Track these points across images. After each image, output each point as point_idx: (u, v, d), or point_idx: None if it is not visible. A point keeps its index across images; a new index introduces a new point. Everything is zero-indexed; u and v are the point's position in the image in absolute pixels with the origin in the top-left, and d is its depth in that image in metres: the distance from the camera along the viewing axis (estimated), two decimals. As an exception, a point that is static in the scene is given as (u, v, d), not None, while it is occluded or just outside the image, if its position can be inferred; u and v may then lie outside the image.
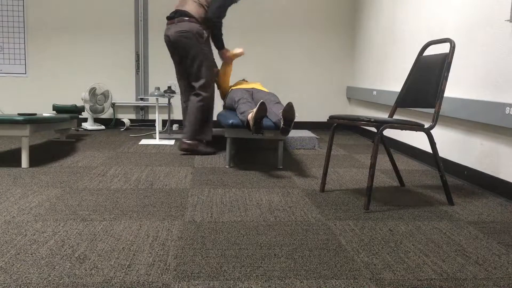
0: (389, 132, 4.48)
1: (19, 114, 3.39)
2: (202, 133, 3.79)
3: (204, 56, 3.72)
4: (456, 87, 3.24)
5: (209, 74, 3.77)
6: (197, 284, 1.51)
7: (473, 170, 3.02)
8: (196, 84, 3.74)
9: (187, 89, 3.91)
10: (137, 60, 5.67)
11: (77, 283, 1.50)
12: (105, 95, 5.38)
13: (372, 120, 2.37)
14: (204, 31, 3.69)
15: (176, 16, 3.69)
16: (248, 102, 3.43)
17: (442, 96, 2.47)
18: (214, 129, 4.72)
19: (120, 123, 5.68)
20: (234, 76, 5.76)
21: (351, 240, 1.95)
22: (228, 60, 4.05)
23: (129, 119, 5.57)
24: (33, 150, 3.95)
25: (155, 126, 5.62)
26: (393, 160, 2.88)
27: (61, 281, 1.50)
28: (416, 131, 2.47)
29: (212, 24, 3.69)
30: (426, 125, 2.54)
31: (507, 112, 2.60)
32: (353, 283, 1.54)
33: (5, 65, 5.54)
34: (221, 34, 3.81)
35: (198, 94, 3.73)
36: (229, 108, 3.79)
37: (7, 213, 2.21)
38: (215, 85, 4.05)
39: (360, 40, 5.54)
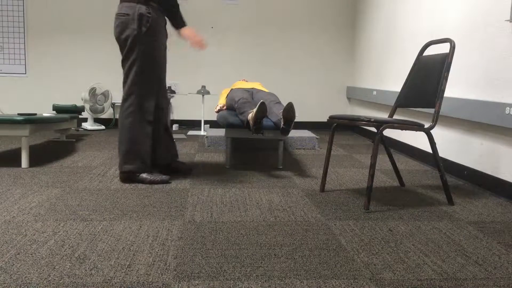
0: (389, 132, 4.48)
1: (19, 114, 3.39)
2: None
3: (141, 52, 2.74)
4: (456, 87, 3.24)
5: (135, 78, 2.76)
6: (197, 284, 1.51)
7: (473, 170, 3.02)
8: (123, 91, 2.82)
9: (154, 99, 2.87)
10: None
11: (77, 283, 1.50)
12: (105, 95, 5.38)
13: (372, 120, 2.37)
14: (149, 14, 2.72)
15: None
16: (248, 102, 3.43)
17: (442, 96, 2.47)
18: (213, 129, 4.72)
19: (120, 123, 5.67)
20: (234, 76, 5.76)
21: (351, 240, 1.95)
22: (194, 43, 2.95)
23: (129, 119, 5.56)
24: (33, 150, 3.94)
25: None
26: (393, 160, 2.88)
27: (61, 281, 1.50)
28: (416, 131, 2.47)
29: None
30: (426, 125, 2.54)
31: (507, 112, 2.60)
32: (353, 283, 1.54)
33: (5, 65, 5.54)
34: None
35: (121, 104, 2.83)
36: (229, 108, 3.78)
37: (7, 213, 2.21)
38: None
39: (360, 40, 5.54)
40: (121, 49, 2.80)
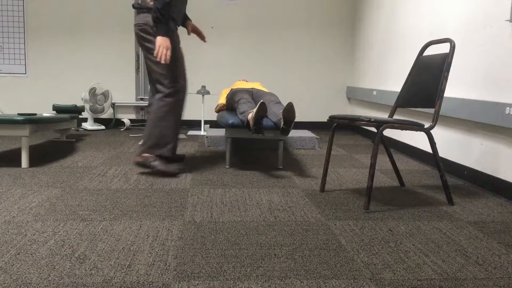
0: (389, 132, 4.48)
1: (19, 114, 3.39)
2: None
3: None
4: (456, 87, 3.24)
5: (167, 76, 3.08)
6: (197, 284, 1.51)
7: (473, 170, 3.02)
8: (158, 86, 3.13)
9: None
10: (137, 60, 5.67)
11: (77, 283, 1.50)
12: (105, 95, 5.38)
13: (372, 120, 2.37)
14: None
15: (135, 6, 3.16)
16: (248, 102, 3.43)
17: (442, 96, 2.47)
18: (213, 129, 4.72)
19: (120, 123, 5.68)
20: (234, 76, 5.76)
21: (351, 240, 1.95)
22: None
23: (129, 119, 5.57)
24: (33, 150, 3.94)
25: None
26: (393, 160, 2.88)
27: (61, 281, 1.50)
28: (416, 131, 2.47)
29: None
30: (426, 125, 2.54)
31: (507, 112, 2.60)
32: (353, 283, 1.54)
33: (5, 65, 5.54)
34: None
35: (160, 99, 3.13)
36: (229, 108, 3.79)
37: (7, 213, 2.21)
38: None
39: (360, 40, 5.54)
40: (145, 53, 3.11)
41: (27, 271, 1.57)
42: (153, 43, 3.01)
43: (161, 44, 2.95)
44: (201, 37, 3.53)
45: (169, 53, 2.95)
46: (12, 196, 2.51)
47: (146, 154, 3.08)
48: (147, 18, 3.01)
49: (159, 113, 3.07)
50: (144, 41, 3.06)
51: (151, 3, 3.00)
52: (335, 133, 5.65)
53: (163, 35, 2.95)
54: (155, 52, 2.95)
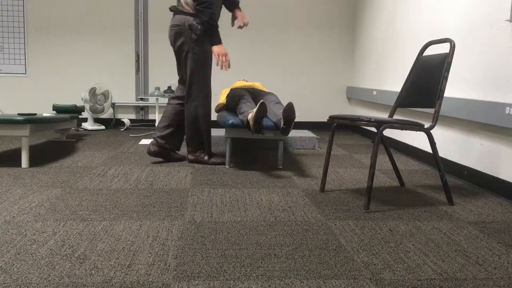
0: (389, 132, 4.48)
1: (19, 114, 3.39)
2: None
3: (195, 57, 3.25)
4: (456, 87, 3.24)
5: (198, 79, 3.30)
6: (197, 284, 1.51)
7: (473, 170, 3.02)
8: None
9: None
10: (137, 60, 5.67)
11: (77, 283, 1.50)
12: (105, 95, 5.38)
13: (372, 120, 2.37)
14: (198, 24, 3.18)
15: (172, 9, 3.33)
16: (248, 102, 3.43)
17: (442, 96, 2.47)
18: (213, 129, 4.72)
19: (120, 123, 5.68)
20: (234, 76, 5.76)
21: (351, 240, 1.95)
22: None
23: (129, 119, 5.57)
24: (33, 150, 3.94)
25: (155, 126, 5.62)
26: (393, 160, 2.88)
27: (61, 281, 1.50)
28: (416, 131, 2.47)
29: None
30: (426, 125, 2.54)
31: (507, 112, 2.60)
32: (353, 283, 1.54)
33: (5, 65, 5.54)
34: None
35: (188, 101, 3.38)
36: (229, 108, 3.78)
37: (7, 213, 2.21)
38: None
39: (360, 40, 5.54)
40: (177, 55, 3.30)
41: (27, 271, 1.57)
42: (186, 43, 3.19)
43: (219, 53, 3.18)
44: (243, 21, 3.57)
45: (228, 59, 3.20)
46: (12, 196, 2.51)
47: (196, 153, 3.44)
48: (183, 19, 3.17)
49: (191, 117, 3.34)
50: (175, 43, 3.24)
51: (187, 7, 3.19)
52: (335, 133, 5.65)
53: (217, 44, 3.19)
54: (216, 63, 3.19)
